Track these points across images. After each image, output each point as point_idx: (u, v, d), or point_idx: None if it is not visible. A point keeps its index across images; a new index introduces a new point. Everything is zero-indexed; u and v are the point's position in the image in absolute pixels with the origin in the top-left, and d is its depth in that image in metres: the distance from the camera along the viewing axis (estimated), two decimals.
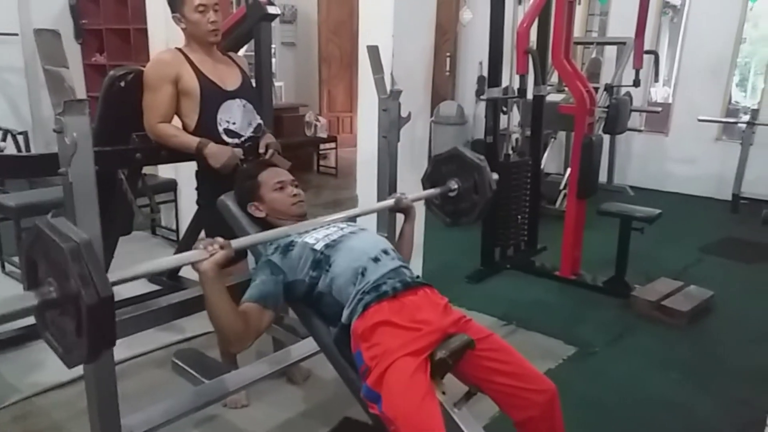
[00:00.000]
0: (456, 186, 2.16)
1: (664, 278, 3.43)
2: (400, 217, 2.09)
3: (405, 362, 1.42)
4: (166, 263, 1.49)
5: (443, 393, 1.50)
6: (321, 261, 1.62)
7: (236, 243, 1.50)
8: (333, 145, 6.68)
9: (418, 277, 1.71)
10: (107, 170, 2.19)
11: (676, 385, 2.51)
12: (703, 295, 3.24)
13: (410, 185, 3.02)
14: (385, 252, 1.68)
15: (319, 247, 1.65)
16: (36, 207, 3.16)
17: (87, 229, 1.33)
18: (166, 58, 2.13)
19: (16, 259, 3.28)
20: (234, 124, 2.17)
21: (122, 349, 1.49)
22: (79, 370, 1.51)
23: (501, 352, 1.59)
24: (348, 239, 1.68)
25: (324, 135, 6.53)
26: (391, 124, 2.27)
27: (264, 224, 1.81)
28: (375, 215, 2.26)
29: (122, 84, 2.19)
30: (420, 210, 3.15)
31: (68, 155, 1.30)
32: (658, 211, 3.34)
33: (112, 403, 1.52)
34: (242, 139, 2.19)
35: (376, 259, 1.63)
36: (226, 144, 2.14)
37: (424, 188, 2.24)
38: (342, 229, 1.74)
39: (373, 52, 2.35)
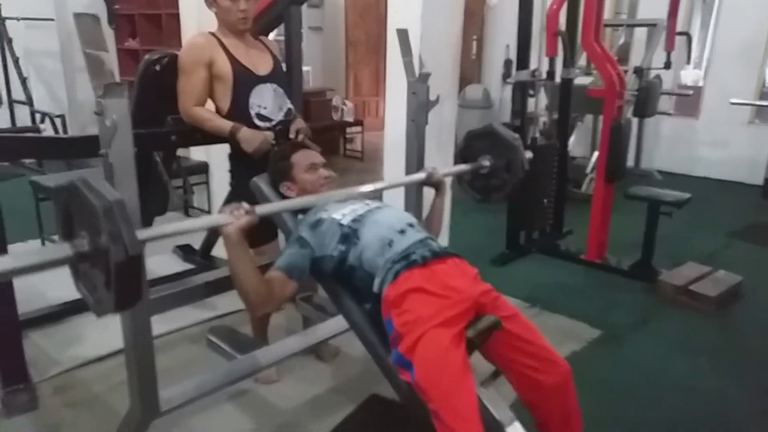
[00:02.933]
0: (488, 163, 2.15)
1: (692, 263, 3.40)
2: (428, 194, 2.11)
3: (439, 333, 1.45)
4: (194, 225, 1.54)
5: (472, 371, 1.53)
6: (349, 235, 1.66)
7: (261, 209, 1.55)
8: (359, 128, 6.71)
9: (446, 248, 1.74)
10: (144, 152, 2.26)
11: (702, 371, 2.51)
12: (731, 280, 3.21)
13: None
14: (411, 225, 1.72)
15: (345, 222, 1.69)
16: None
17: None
18: (200, 42, 2.17)
19: (55, 237, 3.40)
20: (265, 108, 2.21)
21: (159, 324, 1.55)
22: (118, 344, 1.59)
23: (525, 331, 1.62)
24: (373, 214, 1.72)
25: (350, 119, 6.57)
26: (419, 107, 2.29)
27: None
28: (403, 190, 2.29)
29: (157, 68, 2.24)
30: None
31: (108, 137, 1.35)
32: (687, 195, 3.31)
33: (150, 375, 1.59)
34: (273, 123, 2.24)
35: (401, 231, 1.67)
36: (258, 128, 2.18)
37: (456, 163, 2.24)
38: (368, 204, 1.79)
39: (403, 35, 2.36)
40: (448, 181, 2.25)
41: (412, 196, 2.32)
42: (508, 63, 6.98)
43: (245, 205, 1.49)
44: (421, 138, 2.33)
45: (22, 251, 1.12)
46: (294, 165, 1.88)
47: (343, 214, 1.72)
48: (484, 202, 2.27)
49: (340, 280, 1.72)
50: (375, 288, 1.60)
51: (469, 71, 7.28)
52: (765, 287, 3.33)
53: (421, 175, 2.03)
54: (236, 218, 1.46)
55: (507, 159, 2.11)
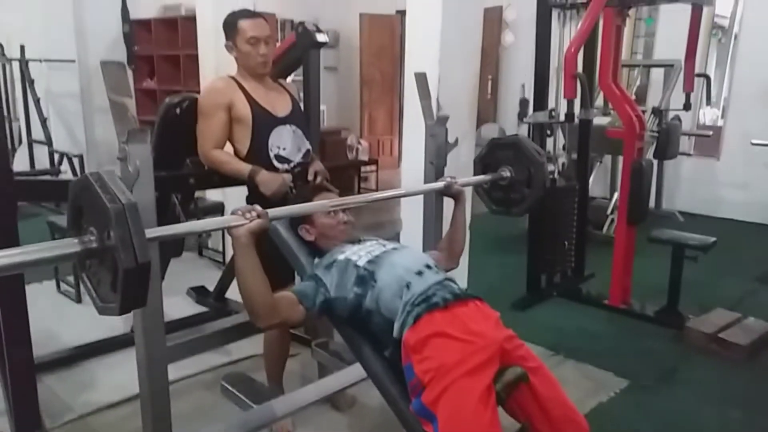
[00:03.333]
0: (508, 175, 2.12)
1: (720, 309, 3.28)
2: (448, 205, 2.07)
3: (467, 385, 1.39)
4: (205, 225, 1.64)
5: None
6: (365, 277, 1.63)
7: (273, 212, 1.54)
8: (374, 167, 6.72)
9: (466, 289, 1.69)
10: (163, 194, 2.25)
11: (734, 424, 2.39)
12: (762, 327, 3.09)
13: None
14: (428, 266, 1.68)
15: (361, 263, 1.66)
16: None
17: (147, 253, 1.38)
18: (220, 87, 2.19)
19: (70, 278, 3.39)
20: (284, 149, 2.20)
21: (172, 369, 1.51)
22: (131, 389, 1.54)
23: (548, 388, 1.55)
24: (390, 255, 1.69)
25: (365, 158, 6.59)
26: (438, 149, 2.26)
27: (313, 248, 1.82)
28: (422, 205, 2.25)
29: (178, 111, 2.25)
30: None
31: (131, 181, 1.33)
32: (712, 239, 3.23)
33: (165, 426, 1.54)
34: (292, 164, 2.22)
35: (419, 273, 1.63)
36: (277, 169, 2.17)
37: (476, 169, 2.22)
38: (384, 245, 1.76)
39: (421, 78, 2.36)
40: (469, 193, 2.22)
41: (431, 210, 2.26)
42: (523, 102, 7.00)
43: (257, 208, 1.47)
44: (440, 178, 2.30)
45: (32, 248, 1.11)
46: None
47: (359, 255, 1.70)
48: (501, 214, 2.23)
49: (357, 325, 1.67)
50: (395, 333, 1.55)
51: (485, 110, 7.30)
52: None
53: (439, 184, 2.02)
54: (248, 220, 1.44)
55: (529, 172, 2.08)
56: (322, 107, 6.99)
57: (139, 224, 1.09)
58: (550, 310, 3.52)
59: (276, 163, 2.18)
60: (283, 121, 2.23)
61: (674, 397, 2.59)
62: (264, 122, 2.18)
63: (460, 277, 3.05)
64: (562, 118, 3.78)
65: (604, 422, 2.31)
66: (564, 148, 5.13)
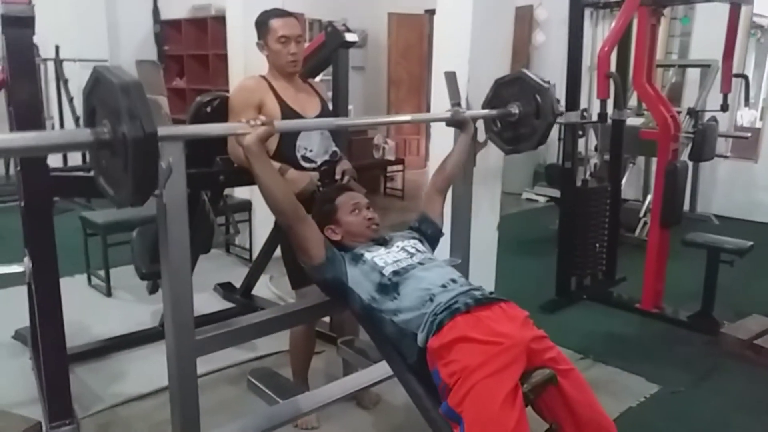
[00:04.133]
0: (517, 110, 2.11)
1: (756, 315, 3.18)
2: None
3: (491, 386, 1.38)
4: (211, 130, 1.69)
5: None
6: (388, 287, 1.65)
7: (279, 124, 1.62)
8: (400, 167, 6.72)
9: (491, 293, 1.68)
10: (193, 192, 2.29)
11: None
12: None
13: (484, 212, 2.98)
14: (453, 280, 1.68)
15: (387, 272, 1.68)
16: (121, 224, 3.34)
17: (178, 247, 1.40)
18: (251, 86, 2.20)
19: (101, 272, 3.47)
20: (311, 151, 2.20)
21: (200, 364, 1.53)
22: (160, 381, 1.55)
23: (579, 391, 1.53)
24: (417, 270, 1.70)
25: (392, 157, 6.58)
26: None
27: (339, 248, 1.82)
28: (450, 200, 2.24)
29: (208, 109, 2.27)
30: (492, 236, 3.09)
31: (164, 179, 1.35)
32: (749, 243, 3.13)
33: (194, 418, 1.56)
34: (318, 164, 2.23)
35: (443, 286, 1.64)
36: (304, 169, 2.18)
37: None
38: (412, 257, 1.76)
39: (451, 78, 2.35)
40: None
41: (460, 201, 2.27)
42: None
43: (262, 117, 1.54)
44: (469, 180, 2.28)
45: (52, 134, 1.19)
46: (338, 207, 1.86)
47: (386, 261, 1.72)
48: (513, 152, 2.24)
49: (367, 320, 1.73)
50: (420, 343, 1.56)
51: None
52: None
53: (446, 114, 2.08)
54: (253, 126, 1.50)
55: (536, 103, 2.07)
56: (350, 107, 7.06)
57: (145, 100, 1.16)
58: (579, 314, 3.46)
59: (303, 164, 2.19)
60: None
61: (706, 403, 2.52)
62: None
63: (488, 279, 3.03)
64: (594, 118, 3.72)
65: (633, 428, 2.26)
66: (596, 149, 5.05)
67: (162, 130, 1.23)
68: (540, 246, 4.62)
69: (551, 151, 6.10)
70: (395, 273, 1.67)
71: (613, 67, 3.37)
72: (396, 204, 6.40)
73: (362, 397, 2.38)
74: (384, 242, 1.82)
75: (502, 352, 1.44)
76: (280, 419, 1.85)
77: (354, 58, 7.36)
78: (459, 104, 2.06)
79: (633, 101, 4.88)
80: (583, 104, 4.36)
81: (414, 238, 1.91)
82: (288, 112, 2.17)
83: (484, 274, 2.89)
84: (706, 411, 2.47)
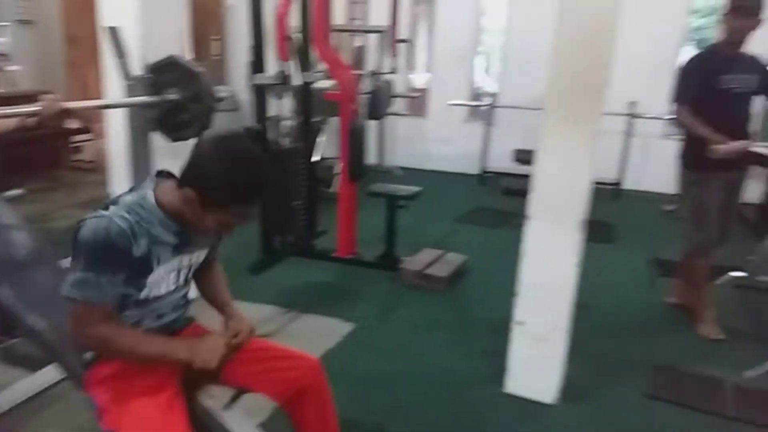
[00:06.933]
0: (176, 97, 2.08)
1: (427, 249, 3.78)
2: None
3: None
4: None
5: (211, 397, 1.47)
6: None
7: None
8: (89, 136, 5.96)
9: None
10: None
11: (438, 346, 2.80)
12: (458, 260, 3.66)
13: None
14: None
15: None
16: None
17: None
18: None
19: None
20: None
21: None
22: None
23: (264, 344, 1.60)
24: None
25: (75, 126, 5.79)
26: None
27: None
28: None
29: None
30: None
31: None
32: (417, 188, 3.66)
33: None
34: None
35: None
36: None
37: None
38: None
39: (113, 33, 2.13)
40: None
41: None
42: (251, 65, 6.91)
43: None
44: (146, 144, 2.14)
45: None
46: None
47: None
48: (178, 140, 2.16)
49: None
50: None
51: (214, 73, 7.01)
52: (483, 262, 3.85)
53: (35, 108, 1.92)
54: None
55: (195, 90, 2.07)
56: (16, 67, 5.92)
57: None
58: (285, 270, 3.60)
59: None
60: None
61: (391, 331, 2.92)
62: None
63: None
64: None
65: (331, 366, 2.46)
66: (293, 112, 5.22)
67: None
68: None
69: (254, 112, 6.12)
70: None
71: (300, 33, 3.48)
72: (87, 178, 5.69)
73: None
74: None
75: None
76: None
77: (20, 11, 6.18)
78: (125, 62, 1.88)
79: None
80: (276, 67, 4.45)
81: None
82: None
83: None
84: (391, 337, 2.85)
